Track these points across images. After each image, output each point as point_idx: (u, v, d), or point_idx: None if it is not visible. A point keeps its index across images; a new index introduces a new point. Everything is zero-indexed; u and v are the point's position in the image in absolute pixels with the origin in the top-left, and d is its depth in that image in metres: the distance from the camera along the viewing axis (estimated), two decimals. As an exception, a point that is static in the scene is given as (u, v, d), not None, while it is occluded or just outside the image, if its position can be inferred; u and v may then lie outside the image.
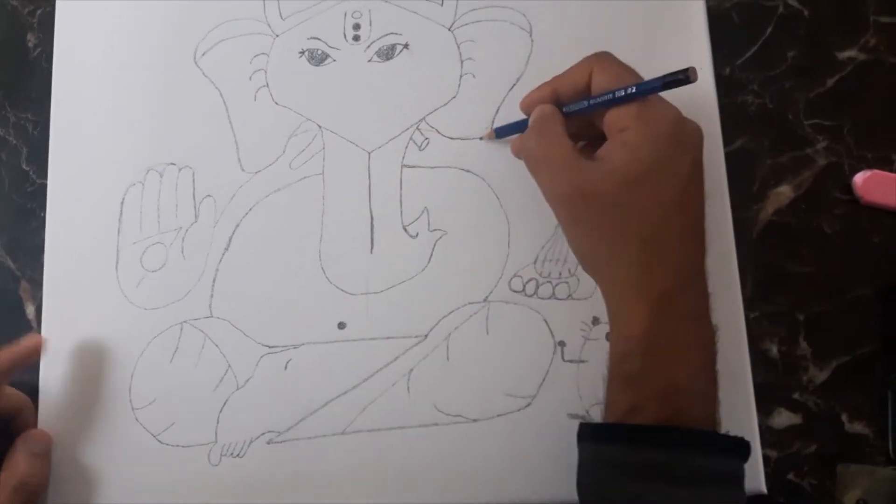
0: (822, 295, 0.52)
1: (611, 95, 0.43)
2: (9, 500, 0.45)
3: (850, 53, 0.55)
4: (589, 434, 0.42)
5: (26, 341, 0.49)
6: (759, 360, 0.50)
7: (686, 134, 0.42)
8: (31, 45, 0.58)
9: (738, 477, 0.40)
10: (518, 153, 0.47)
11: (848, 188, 0.53)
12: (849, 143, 0.54)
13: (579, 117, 0.46)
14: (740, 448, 0.41)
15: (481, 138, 0.52)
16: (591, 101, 0.44)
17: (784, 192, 0.53)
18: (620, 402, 0.41)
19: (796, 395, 0.51)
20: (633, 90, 0.42)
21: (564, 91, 0.46)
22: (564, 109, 0.46)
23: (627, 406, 0.41)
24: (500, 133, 0.51)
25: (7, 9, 0.59)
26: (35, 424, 0.49)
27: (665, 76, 0.41)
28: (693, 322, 0.42)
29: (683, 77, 0.41)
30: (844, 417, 0.51)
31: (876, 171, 0.52)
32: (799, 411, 0.51)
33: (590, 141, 0.47)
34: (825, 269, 0.52)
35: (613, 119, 0.43)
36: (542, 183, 0.45)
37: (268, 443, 0.48)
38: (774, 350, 0.51)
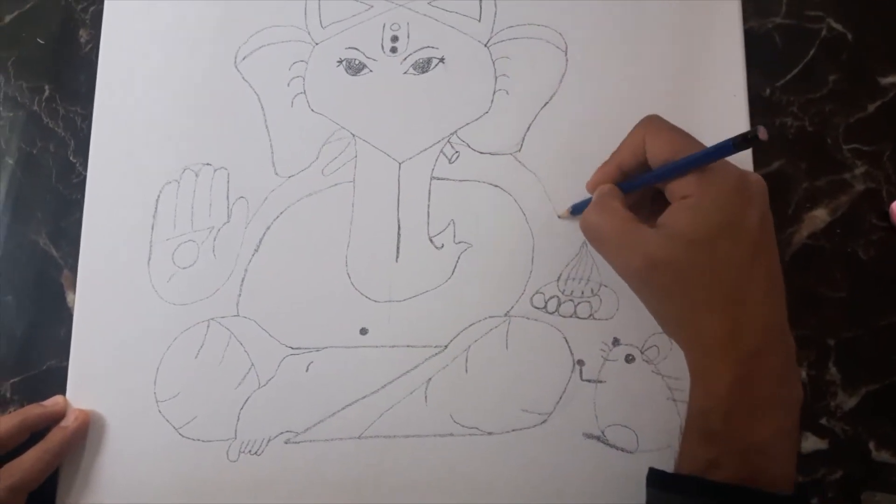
0: (854, 321, 0.51)
1: (671, 167, 0.41)
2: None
3: (892, 79, 0.54)
4: (663, 482, 0.41)
5: (53, 406, 0.51)
6: (786, 385, 0.50)
7: (751, 188, 0.41)
8: (82, 40, 0.60)
9: None
10: (583, 231, 0.46)
11: (885, 215, 0.52)
12: (888, 170, 0.53)
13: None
14: None
15: (559, 216, 0.51)
16: (651, 176, 0.43)
17: (819, 216, 0.52)
18: (698, 455, 0.40)
19: (823, 421, 0.50)
20: (695, 159, 0.40)
21: (626, 163, 0.45)
22: (626, 185, 0.45)
23: (706, 461, 0.40)
24: (576, 210, 0.50)
25: (61, 4, 0.61)
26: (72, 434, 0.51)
27: (732, 140, 0.38)
28: (779, 382, 0.40)
29: (752, 136, 0.37)
30: (872, 445, 0.50)
31: (914, 200, 0.51)
32: (826, 437, 0.50)
33: (651, 204, 0.47)
34: (858, 295, 0.51)
35: (675, 187, 0.42)
36: (611, 258, 0.43)
37: (285, 442, 0.49)
38: (803, 374, 0.50)
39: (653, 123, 0.44)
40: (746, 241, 0.40)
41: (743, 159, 0.51)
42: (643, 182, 0.44)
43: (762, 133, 0.37)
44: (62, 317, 0.55)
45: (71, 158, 0.58)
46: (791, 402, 0.41)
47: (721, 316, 0.40)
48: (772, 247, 0.41)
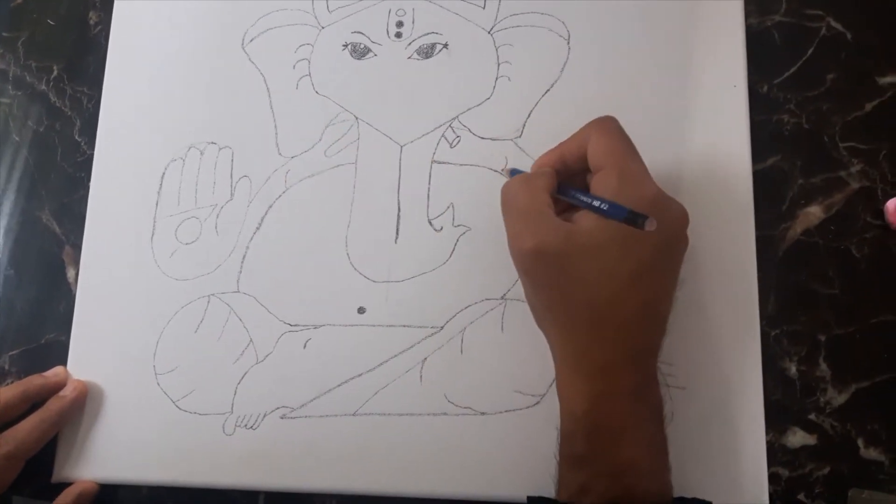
0: (846, 318, 0.51)
1: (587, 201, 0.42)
2: None
3: (891, 79, 0.54)
4: None
5: (54, 377, 0.52)
6: (777, 378, 0.50)
7: (663, 215, 0.41)
8: (91, 22, 0.60)
9: None
10: (501, 195, 0.46)
11: (879, 213, 0.52)
12: (883, 169, 0.53)
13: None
14: None
15: (500, 170, 0.52)
16: (571, 197, 0.44)
17: (814, 213, 0.53)
18: (570, 481, 0.41)
19: (812, 416, 0.50)
20: (603, 206, 0.41)
21: (569, 155, 0.45)
22: (562, 188, 0.45)
23: (577, 486, 0.41)
24: (514, 174, 0.49)
25: (72, -13, 0.61)
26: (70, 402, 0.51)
27: (627, 213, 0.40)
28: (636, 398, 0.41)
29: (641, 222, 0.39)
30: (860, 442, 0.50)
31: (909, 199, 0.52)
32: (814, 432, 0.50)
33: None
34: (850, 293, 0.51)
35: (595, 186, 0.42)
36: (509, 231, 0.44)
37: (281, 417, 0.50)
38: (793, 369, 0.50)
39: (603, 125, 0.44)
40: (633, 262, 0.40)
41: (741, 152, 0.52)
42: (567, 197, 0.44)
43: (650, 225, 0.39)
44: (62, 292, 0.55)
45: (76, 137, 0.58)
46: (651, 415, 0.41)
47: (584, 321, 0.41)
48: (662, 279, 0.42)
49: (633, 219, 0.39)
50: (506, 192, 0.45)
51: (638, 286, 0.41)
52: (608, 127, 0.44)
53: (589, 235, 0.41)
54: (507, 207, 0.44)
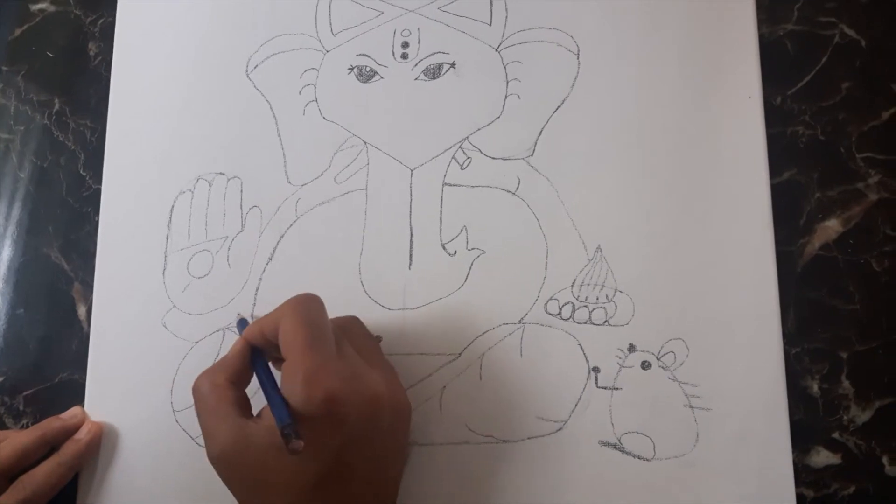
0: (868, 334, 0.50)
1: (270, 393, 0.40)
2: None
3: (907, 86, 0.53)
4: None
5: (72, 418, 0.51)
6: (798, 397, 0.49)
7: (340, 412, 0.38)
8: (91, 53, 0.60)
9: None
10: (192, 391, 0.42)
11: (900, 225, 0.52)
12: (902, 179, 0.52)
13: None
14: None
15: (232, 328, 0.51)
16: (261, 384, 0.42)
17: (832, 227, 0.52)
18: None
19: (836, 435, 0.49)
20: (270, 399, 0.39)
21: (269, 333, 0.42)
22: (260, 366, 0.43)
23: None
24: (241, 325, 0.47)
25: (70, 17, 0.61)
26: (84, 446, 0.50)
27: (282, 426, 0.37)
28: None
29: (288, 434, 0.37)
30: (885, 460, 0.49)
31: (929, 209, 0.51)
32: (838, 451, 0.49)
33: None
34: (871, 308, 0.51)
35: (282, 379, 0.40)
36: (202, 431, 0.41)
37: (300, 451, 0.49)
38: (815, 387, 0.50)
39: (296, 307, 0.41)
40: (316, 462, 0.38)
41: (758, 164, 0.51)
42: (259, 381, 0.42)
43: (295, 445, 0.37)
44: (74, 329, 0.55)
45: (81, 171, 0.57)
46: None
47: None
48: (355, 472, 0.40)
49: (284, 436, 0.37)
50: (195, 391, 0.42)
51: (321, 492, 0.39)
52: (299, 311, 0.41)
53: (266, 435, 0.38)
54: (197, 409, 0.41)
